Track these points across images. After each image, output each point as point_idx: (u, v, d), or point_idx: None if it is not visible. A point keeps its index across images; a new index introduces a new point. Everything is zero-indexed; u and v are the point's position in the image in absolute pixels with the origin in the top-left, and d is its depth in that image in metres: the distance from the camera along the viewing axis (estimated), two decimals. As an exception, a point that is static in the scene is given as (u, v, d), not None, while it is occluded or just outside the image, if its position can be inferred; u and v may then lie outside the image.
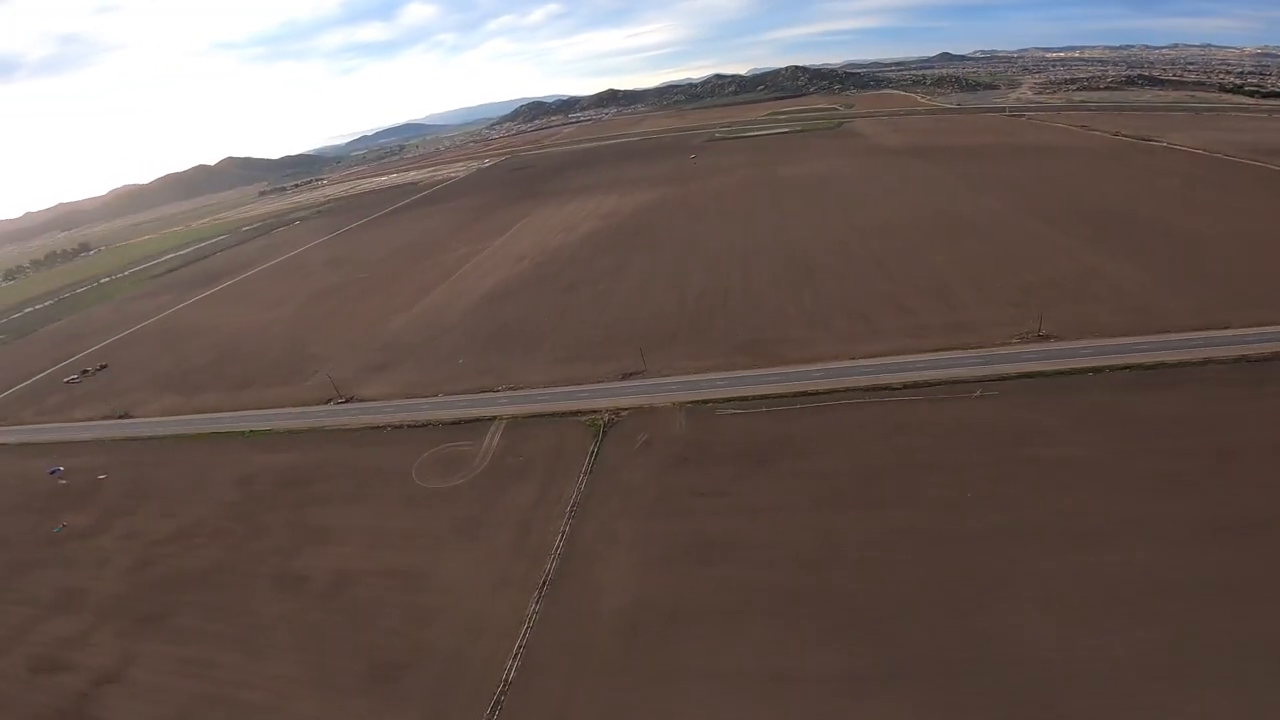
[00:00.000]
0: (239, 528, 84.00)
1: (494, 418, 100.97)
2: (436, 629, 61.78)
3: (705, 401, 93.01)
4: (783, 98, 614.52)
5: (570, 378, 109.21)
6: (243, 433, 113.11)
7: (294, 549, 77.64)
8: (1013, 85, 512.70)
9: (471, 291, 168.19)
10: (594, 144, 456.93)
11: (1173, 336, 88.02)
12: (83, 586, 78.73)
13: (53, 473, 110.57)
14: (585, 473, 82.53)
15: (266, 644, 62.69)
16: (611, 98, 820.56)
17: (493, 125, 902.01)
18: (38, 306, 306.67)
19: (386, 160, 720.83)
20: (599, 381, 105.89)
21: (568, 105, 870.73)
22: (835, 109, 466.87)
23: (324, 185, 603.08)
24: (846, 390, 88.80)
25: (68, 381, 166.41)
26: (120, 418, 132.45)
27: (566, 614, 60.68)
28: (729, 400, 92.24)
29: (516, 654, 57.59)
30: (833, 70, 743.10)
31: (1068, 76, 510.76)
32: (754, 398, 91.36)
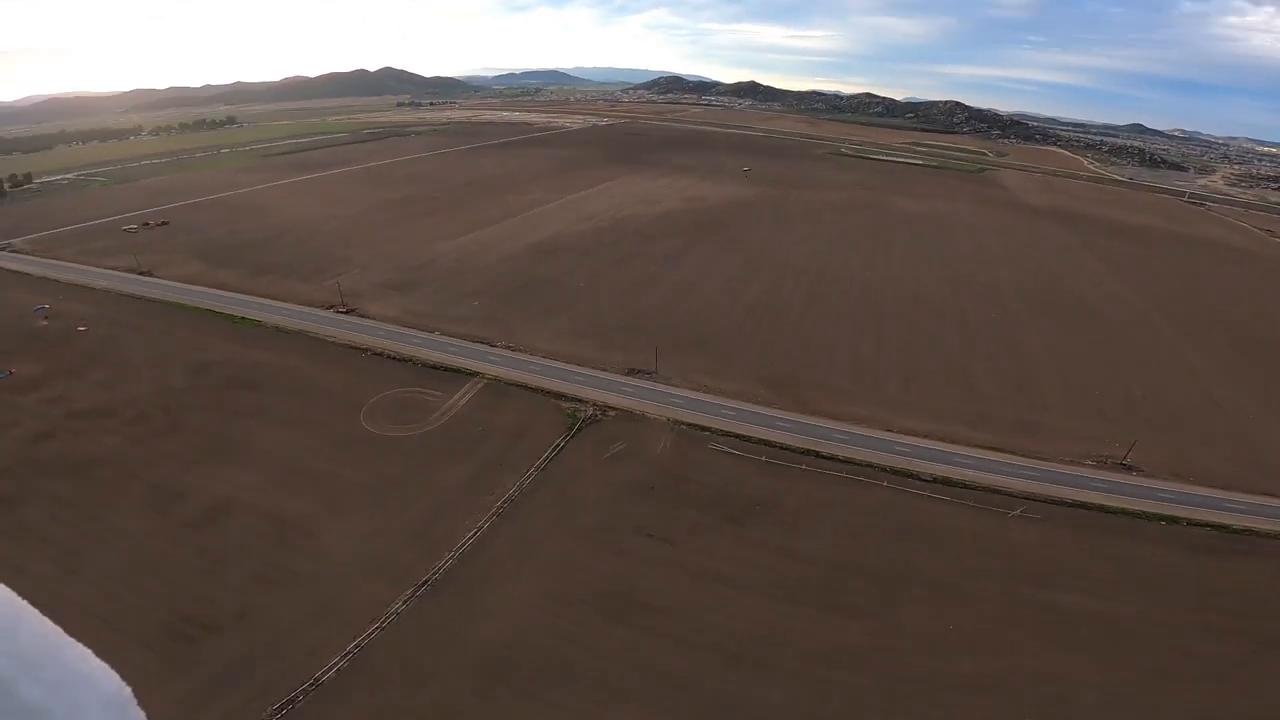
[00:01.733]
0: (160, 420, 77.38)
1: (476, 374, 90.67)
2: (278, 598, 52.24)
3: (703, 428, 78.74)
4: (930, 130, 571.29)
5: (573, 355, 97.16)
6: (233, 317, 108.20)
7: (195, 460, 69.94)
8: (1204, 171, 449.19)
9: (522, 237, 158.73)
10: (713, 129, 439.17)
11: (1277, 502, 69.61)
12: None
13: (38, 310, 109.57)
14: (537, 468, 70.72)
15: (89, 563, 54.72)
16: (750, 90, 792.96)
17: (626, 89, 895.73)
18: (154, 161, 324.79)
19: (518, 99, 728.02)
20: (601, 369, 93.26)
21: (704, 87, 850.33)
22: (983, 154, 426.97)
23: (452, 109, 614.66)
24: (863, 464, 72.24)
25: (125, 230, 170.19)
26: (140, 274, 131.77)
27: (429, 628, 50.07)
28: (728, 435, 77.52)
29: (347, 655, 47.51)
30: (997, 115, 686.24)
31: (1274, 173, 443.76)
32: (757, 440, 76.16)
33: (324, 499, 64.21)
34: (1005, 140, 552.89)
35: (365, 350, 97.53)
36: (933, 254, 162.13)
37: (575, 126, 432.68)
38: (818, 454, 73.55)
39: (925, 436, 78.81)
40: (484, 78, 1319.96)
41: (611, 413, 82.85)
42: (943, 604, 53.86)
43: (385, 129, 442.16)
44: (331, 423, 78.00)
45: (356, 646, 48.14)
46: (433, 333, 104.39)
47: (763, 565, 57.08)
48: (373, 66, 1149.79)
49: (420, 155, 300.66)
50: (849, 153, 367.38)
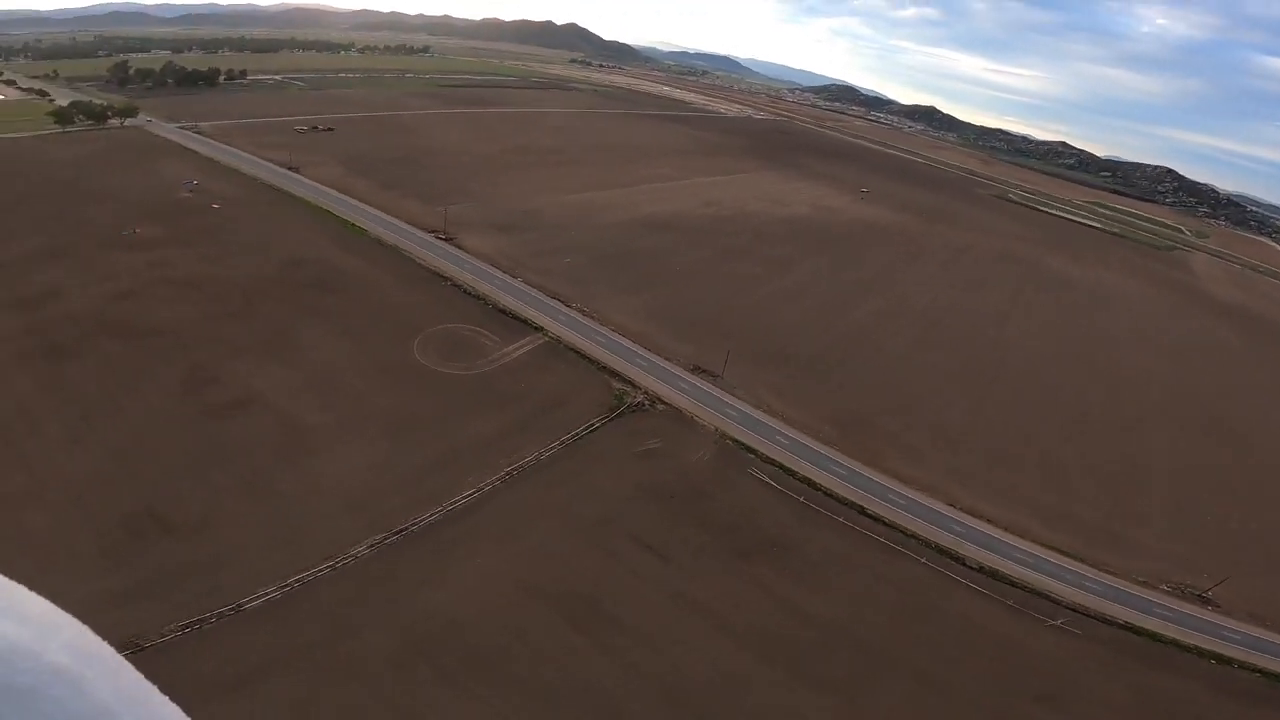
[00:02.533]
0: (236, 302, 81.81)
1: (540, 329, 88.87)
2: (250, 512, 51.70)
3: (750, 450, 71.98)
4: (1123, 194, 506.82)
5: (643, 336, 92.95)
6: (345, 222, 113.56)
7: (246, 348, 72.92)
8: None
9: (638, 208, 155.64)
10: (872, 145, 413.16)
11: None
12: (66, 287, 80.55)
13: (185, 184, 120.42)
14: (563, 442, 67.49)
15: (95, 432, 56.74)
16: (926, 115, 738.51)
17: (793, 89, 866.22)
18: (349, 75, 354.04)
19: (683, 77, 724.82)
20: (666, 358, 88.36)
21: (876, 103, 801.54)
22: (1179, 230, 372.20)
23: (618, 74, 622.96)
24: (908, 533, 63.00)
25: (296, 130, 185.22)
26: (289, 169, 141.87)
27: (377, 580, 47.84)
28: (774, 463, 70.30)
29: (285, 587, 45.98)
30: (1212, 191, 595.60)
31: None
32: (802, 478, 68.48)
33: (343, 418, 64.43)
34: (1213, 220, 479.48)
35: (447, 279, 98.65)
36: (1076, 327, 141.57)
37: (729, 114, 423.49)
38: (862, 510, 64.88)
39: (990, 521, 67.87)
40: (658, 50, 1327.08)
41: (660, 406, 78.00)
42: (924, 699, 45.91)
43: (551, 81, 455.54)
44: (385, 343, 78.94)
45: (299, 581, 46.32)
46: (516, 278, 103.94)
47: (752, 610, 50.63)
48: (560, 21, 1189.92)
49: (572, 110, 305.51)
50: (1016, 199, 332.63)
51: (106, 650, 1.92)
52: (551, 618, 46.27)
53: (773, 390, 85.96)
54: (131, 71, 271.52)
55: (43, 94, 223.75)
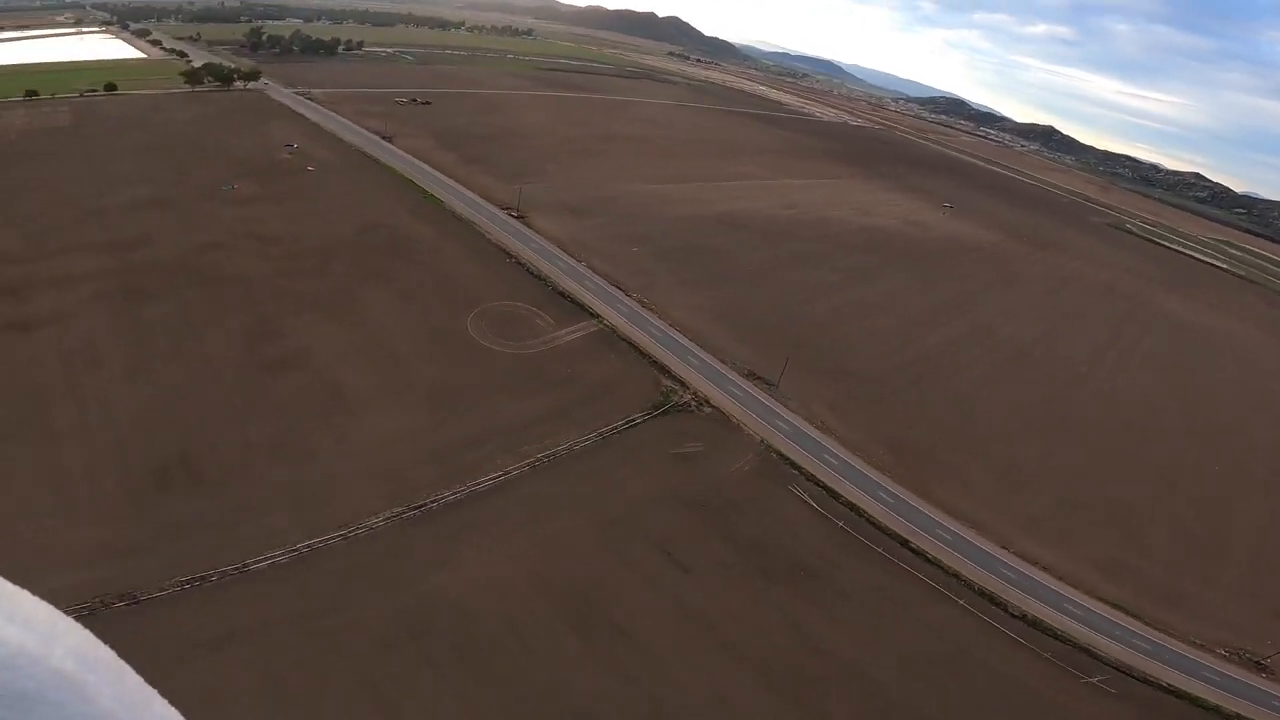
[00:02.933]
0: (311, 262, 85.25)
1: (596, 316, 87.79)
2: (278, 471, 52.80)
3: (795, 466, 68.18)
4: (1257, 234, 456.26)
5: (700, 334, 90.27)
6: (424, 192, 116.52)
7: (310, 306, 75.64)
8: None
9: (715, 204, 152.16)
10: (976, 161, 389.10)
11: None
12: (161, 234, 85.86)
13: (286, 146, 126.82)
14: (600, 435, 66.00)
15: (153, 375, 59.40)
16: (1043, 135, 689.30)
17: (897, 99, 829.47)
18: (455, 52, 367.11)
19: (780, 78, 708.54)
20: (721, 360, 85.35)
21: (987, 119, 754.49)
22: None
23: (714, 69, 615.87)
24: (950, 572, 57.75)
25: (396, 102, 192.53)
26: (384, 138, 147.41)
27: (384, 555, 47.39)
28: (818, 483, 66.25)
29: (292, 551, 46.18)
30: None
31: None
32: (845, 502, 64.19)
33: (386, 384, 65.43)
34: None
35: (511, 256, 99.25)
36: (1180, 374, 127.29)
37: (824, 118, 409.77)
38: (905, 542, 59.96)
39: (1044, 569, 61.55)
40: (757, 50, 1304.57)
41: (707, 409, 75.25)
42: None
43: (645, 71, 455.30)
44: (441, 313, 79.96)
45: (308, 546, 46.54)
46: (580, 262, 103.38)
47: (766, 635, 47.45)
48: (662, 13, 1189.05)
49: (662, 102, 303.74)
50: (1134, 230, 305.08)
51: (109, 655, 1.98)
52: (553, 616, 44.82)
53: (829, 406, 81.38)
54: (264, 38, 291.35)
55: (182, 55, 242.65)
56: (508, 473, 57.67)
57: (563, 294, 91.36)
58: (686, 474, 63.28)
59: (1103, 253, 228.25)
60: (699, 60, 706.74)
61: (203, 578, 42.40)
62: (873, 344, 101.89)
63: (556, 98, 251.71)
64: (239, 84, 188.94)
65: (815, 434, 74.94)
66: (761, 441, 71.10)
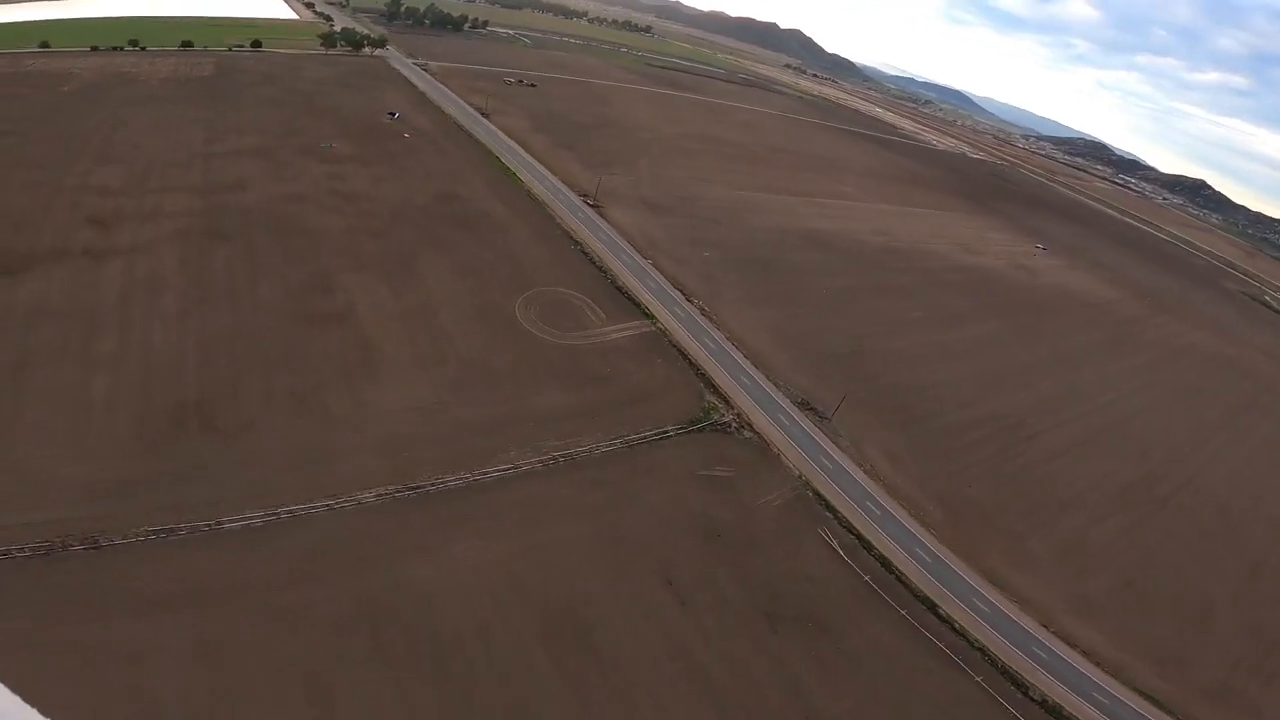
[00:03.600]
0: (381, 223, 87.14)
1: (651, 317, 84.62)
2: (290, 427, 52.90)
3: (830, 508, 62.46)
4: None
5: (758, 353, 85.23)
6: (507, 170, 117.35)
7: (367, 265, 76.87)
8: None
9: (803, 220, 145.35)
10: (1109, 210, 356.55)
11: None
12: (253, 182, 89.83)
13: (390, 113, 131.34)
14: (627, 442, 62.71)
15: (202, 315, 61.13)
16: (1192, 189, 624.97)
17: (1028, 136, 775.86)
18: (571, 39, 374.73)
19: (900, 102, 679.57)
20: (775, 383, 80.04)
21: (1129, 166, 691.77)
22: None
23: (830, 86, 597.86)
24: (976, 645, 50.87)
25: (504, 81, 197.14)
26: (482, 114, 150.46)
27: (367, 537, 45.82)
28: (851, 530, 60.18)
29: (273, 514, 45.41)
30: None
31: None
32: (878, 554, 57.90)
33: (421, 354, 64.91)
34: None
35: (578, 244, 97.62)
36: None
37: (940, 147, 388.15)
38: (933, 607, 53.21)
39: (1085, 654, 53.86)
40: (881, 72, 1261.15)
41: (747, 433, 70.38)
42: None
43: (756, 79, 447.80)
44: (494, 290, 79.07)
45: (288, 512, 45.45)
46: (646, 259, 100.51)
47: (753, 684, 42.63)
48: (785, 25, 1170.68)
49: (768, 111, 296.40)
50: (1273, 304, 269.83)
51: None
52: (527, 628, 41.80)
53: (884, 450, 74.46)
54: (401, 9, 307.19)
55: (328, 19, 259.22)
56: (518, 466, 55.33)
57: (621, 289, 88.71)
58: (709, 499, 58.86)
59: (1233, 325, 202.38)
60: (815, 75, 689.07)
61: (170, 530, 41.56)
62: (948, 392, 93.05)
63: (661, 94, 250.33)
64: (367, 50, 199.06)
65: (861, 477, 68.51)
66: (799, 476, 65.59)
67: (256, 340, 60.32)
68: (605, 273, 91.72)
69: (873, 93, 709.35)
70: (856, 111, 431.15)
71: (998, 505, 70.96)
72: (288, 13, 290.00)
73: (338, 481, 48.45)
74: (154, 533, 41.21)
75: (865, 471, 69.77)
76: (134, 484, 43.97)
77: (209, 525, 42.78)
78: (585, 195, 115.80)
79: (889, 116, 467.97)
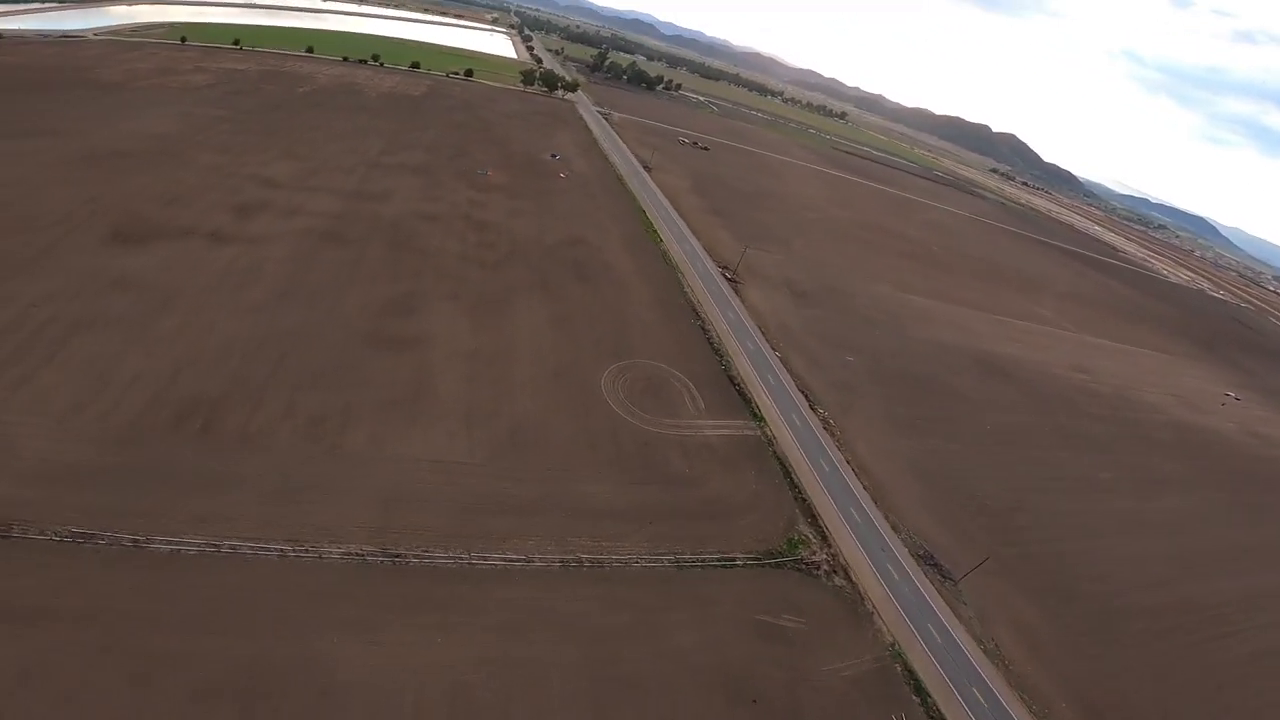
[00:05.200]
0: (498, 254, 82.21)
1: (760, 420, 70.58)
2: (299, 447, 47.40)
3: (923, 690, 44.79)
4: None
5: (882, 489, 67.41)
6: (651, 227, 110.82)
7: (462, 296, 71.75)
8: None
9: (976, 337, 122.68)
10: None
11: None
12: (400, 195, 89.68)
13: (552, 155, 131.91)
14: (678, 562, 49.28)
15: (272, 310, 59.10)
16: None
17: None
18: (757, 113, 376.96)
19: (1126, 223, 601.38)
20: (893, 526, 61.96)
21: None
22: None
23: (1041, 197, 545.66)
24: None
25: (678, 141, 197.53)
26: (645, 167, 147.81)
27: (299, 604, 37.28)
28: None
29: (211, 548, 38.98)
30: None
31: None
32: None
33: (473, 406, 57.03)
34: None
35: (700, 319, 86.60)
36: None
37: (1171, 278, 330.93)
38: None
39: None
40: (1105, 188, 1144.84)
41: (838, 580, 53.50)
42: None
43: (954, 180, 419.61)
44: (584, 348, 70.08)
45: (231, 547, 38.51)
46: (775, 351, 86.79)
47: None
48: (997, 128, 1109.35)
49: (961, 213, 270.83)
50: None
51: None
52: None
53: (1019, 630, 53.45)
54: (606, 63, 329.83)
55: (539, 61, 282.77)
56: (530, 560, 44.15)
57: (733, 380, 75.71)
58: (759, 653, 43.18)
59: None
60: (1025, 184, 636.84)
61: (89, 536, 36.55)
62: (1128, 570, 67.82)
63: (838, 177, 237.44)
64: (559, 93, 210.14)
65: (977, 658, 48.79)
66: (893, 644, 47.55)
67: (312, 349, 56.45)
68: (721, 357, 79.40)
69: (1094, 209, 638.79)
70: (1070, 227, 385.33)
71: (1163, 716, 46.83)
72: (510, 51, 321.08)
73: (307, 526, 41.07)
74: (73, 535, 36.49)
75: (984, 651, 50.04)
76: (90, 474, 40.19)
77: (134, 540, 37.11)
78: (725, 267, 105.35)
79: (1110, 237, 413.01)
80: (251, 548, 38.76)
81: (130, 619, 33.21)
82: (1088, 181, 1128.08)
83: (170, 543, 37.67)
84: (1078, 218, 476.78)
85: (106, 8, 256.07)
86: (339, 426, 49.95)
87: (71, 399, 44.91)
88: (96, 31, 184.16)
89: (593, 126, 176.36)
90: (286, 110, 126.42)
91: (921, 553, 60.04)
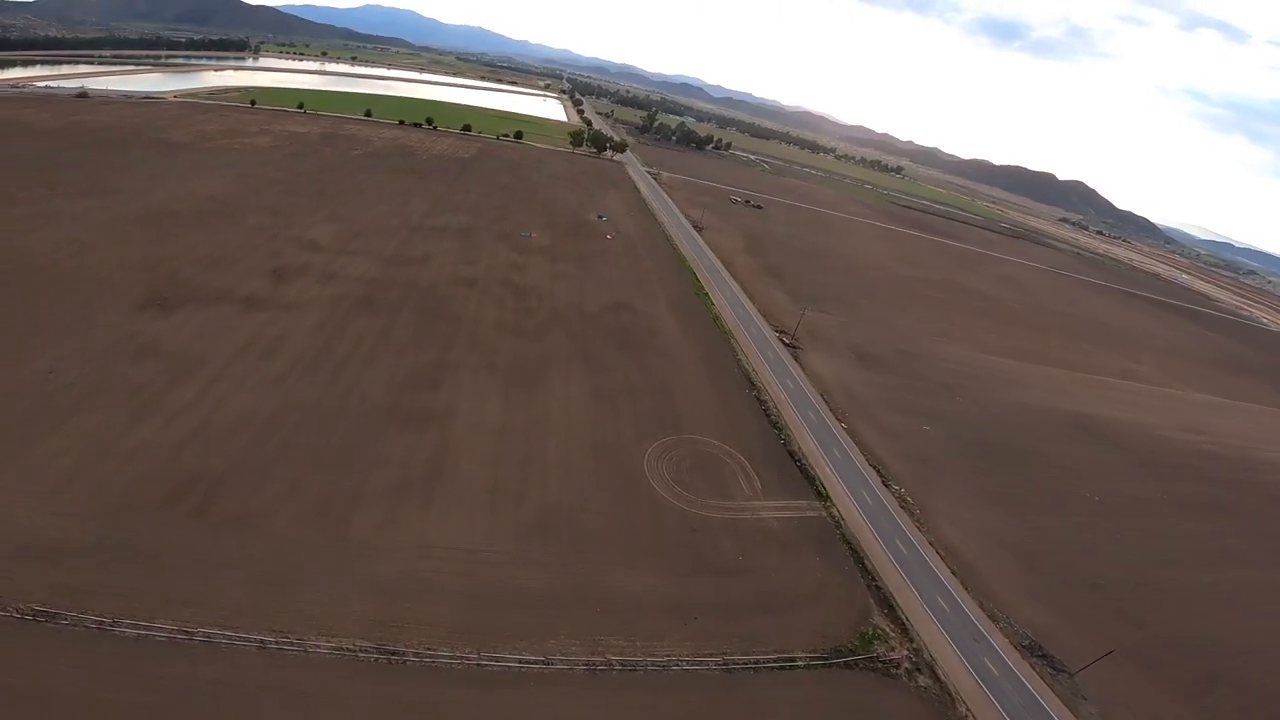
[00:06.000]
0: (536, 323, 77.48)
1: (824, 498, 61.41)
2: (299, 531, 41.15)
3: None
4: None
5: (973, 570, 56.16)
6: (701, 290, 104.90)
7: (494, 368, 66.50)
8: None
9: (1067, 398, 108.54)
10: None
11: None
12: (438, 259, 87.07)
13: (598, 217, 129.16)
14: (727, 665, 41.09)
15: (292, 382, 55.18)
16: None
17: None
18: (810, 170, 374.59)
19: (1213, 270, 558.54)
20: (988, 611, 50.59)
21: None
22: None
23: (1119, 246, 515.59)
24: None
25: (730, 200, 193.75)
26: (696, 227, 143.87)
27: (265, 696, 29.78)
28: None
29: (185, 635, 31.99)
30: None
31: None
32: None
33: (498, 483, 51.35)
34: None
35: (755, 389, 78.33)
36: None
37: (1273, 329, 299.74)
38: None
39: None
40: (1186, 234, 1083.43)
41: (922, 679, 43.30)
42: None
43: (1023, 231, 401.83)
44: (625, 424, 62.75)
45: (204, 635, 32.79)
46: (840, 423, 77.29)
47: None
48: (1063, 175, 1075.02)
49: (1036, 266, 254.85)
50: None
51: None
52: None
53: None
54: (654, 125, 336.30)
55: (589, 124, 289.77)
56: (549, 662, 36.83)
57: (793, 455, 66.65)
58: None
59: None
60: (1100, 232, 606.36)
61: (52, 615, 33.58)
62: None
63: (901, 233, 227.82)
64: (607, 154, 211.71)
65: None
66: None
67: (327, 424, 52.33)
68: (779, 430, 70.62)
69: (1178, 257, 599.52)
70: (1156, 276, 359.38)
71: None
72: (563, 115, 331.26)
73: (295, 616, 36.37)
74: (35, 613, 33.55)
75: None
76: (72, 549, 37.56)
77: (99, 622, 33.98)
78: (783, 332, 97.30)
79: (1201, 285, 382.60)
80: (228, 637, 34.27)
81: (77, 707, 30.24)
82: (1165, 227, 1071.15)
83: (139, 627, 33.87)
84: (1163, 266, 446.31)
85: (197, 73, 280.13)
86: (346, 509, 45.01)
87: (68, 469, 42.72)
88: (176, 94, 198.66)
89: (641, 186, 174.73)
90: (339, 172, 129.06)
91: (1027, 643, 49.67)
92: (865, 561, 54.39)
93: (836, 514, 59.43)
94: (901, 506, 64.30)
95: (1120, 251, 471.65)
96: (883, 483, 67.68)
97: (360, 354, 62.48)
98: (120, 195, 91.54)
